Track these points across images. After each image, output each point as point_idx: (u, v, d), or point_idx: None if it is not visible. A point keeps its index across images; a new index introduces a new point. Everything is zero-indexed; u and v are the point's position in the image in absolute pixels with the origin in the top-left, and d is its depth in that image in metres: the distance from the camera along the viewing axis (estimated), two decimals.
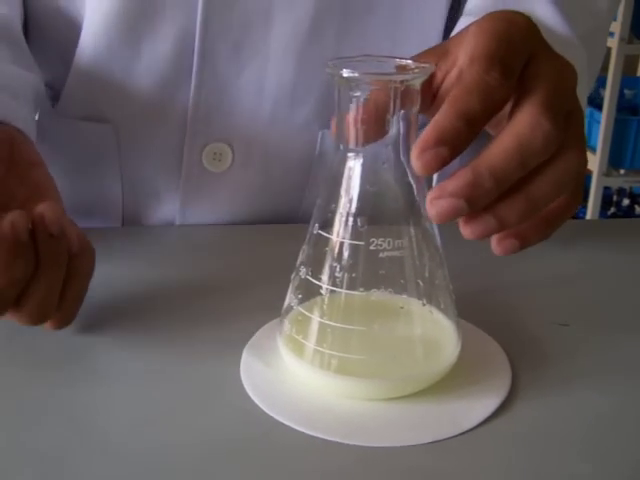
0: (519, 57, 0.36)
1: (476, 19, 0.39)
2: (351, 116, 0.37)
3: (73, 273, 0.41)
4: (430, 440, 0.36)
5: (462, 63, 0.37)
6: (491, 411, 0.38)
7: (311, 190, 0.64)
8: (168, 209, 0.64)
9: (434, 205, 0.34)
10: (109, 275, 0.52)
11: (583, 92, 0.48)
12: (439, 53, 0.40)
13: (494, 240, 0.37)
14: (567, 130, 0.36)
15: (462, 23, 0.55)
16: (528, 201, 0.35)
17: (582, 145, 0.37)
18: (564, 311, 0.49)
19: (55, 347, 0.43)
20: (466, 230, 0.35)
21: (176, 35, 0.57)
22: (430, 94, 0.40)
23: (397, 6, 0.59)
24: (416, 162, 0.34)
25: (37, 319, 0.41)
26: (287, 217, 0.65)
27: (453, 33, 0.57)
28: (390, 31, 0.60)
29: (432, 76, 0.40)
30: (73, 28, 0.58)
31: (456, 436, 0.36)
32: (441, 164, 0.34)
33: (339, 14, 0.58)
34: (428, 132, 0.34)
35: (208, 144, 0.60)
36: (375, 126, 0.37)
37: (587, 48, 0.54)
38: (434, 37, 0.60)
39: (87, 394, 0.39)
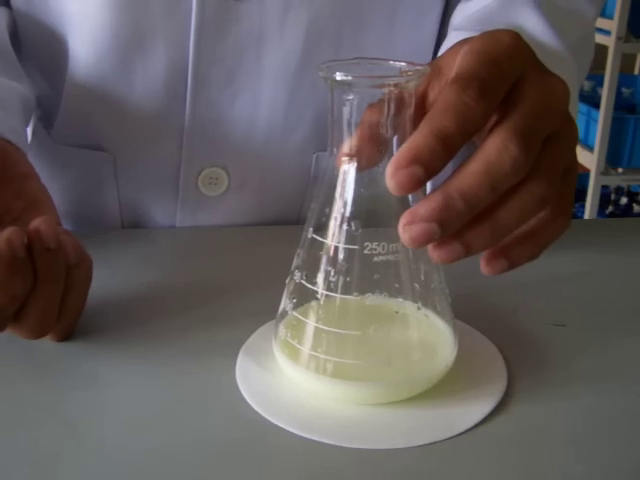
0: (503, 78, 0.36)
1: (468, 35, 0.38)
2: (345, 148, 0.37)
3: (71, 285, 0.41)
4: (425, 442, 0.36)
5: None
6: (486, 413, 0.38)
7: (306, 213, 0.64)
8: (165, 228, 0.64)
9: (407, 230, 0.34)
10: (106, 278, 0.52)
11: (573, 103, 0.48)
12: (431, 72, 0.40)
13: (483, 261, 0.38)
14: (542, 153, 0.36)
15: (453, 38, 0.55)
16: (493, 227, 0.35)
17: (556, 170, 0.37)
18: (560, 312, 0.49)
19: (52, 350, 0.43)
20: (434, 255, 0.35)
21: (169, 63, 0.57)
22: (423, 114, 0.40)
23: (389, 31, 0.60)
24: (390, 181, 0.34)
25: (37, 333, 0.41)
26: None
27: (443, 47, 0.57)
28: (383, 54, 0.60)
29: (424, 95, 0.40)
30: (61, 54, 0.58)
31: (451, 438, 0.36)
32: (415, 184, 0.33)
33: (332, 38, 0.58)
34: (403, 151, 0.34)
35: (204, 169, 0.61)
36: (371, 152, 0.37)
37: (576, 58, 0.54)
38: (426, 58, 0.61)
39: (84, 396, 0.39)
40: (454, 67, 0.37)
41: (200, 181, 0.61)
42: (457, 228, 0.34)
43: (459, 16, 0.58)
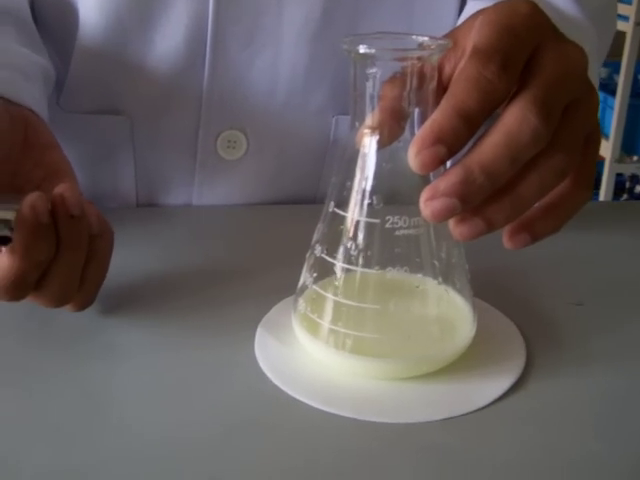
0: (522, 49, 0.35)
1: (484, 6, 0.38)
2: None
3: (93, 254, 0.41)
4: (444, 417, 0.36)
5: (466, 55, 0.37)
6: (505, 389, 0.38)
7: (326, 179, 0.64)
8: (182, 198, 0.64)
9: (428, 206, 0.34)
10: (126, 255, 0.52)
11: (593, 72, 0.48)
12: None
13: (505, 235, 0.37)
14: (563, 123, 0.35)
15: (470, 8, 0.55)
16: (513, 201, 0.35)
17: (576, 140, 0.36)
18: (579, 291, 0.49)
19: (71, 324, 0.43)
20: (456, 232, 0.35)
21: (189, 21, 0.57)
22: (440, 86, 0.39)
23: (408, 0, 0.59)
24: (413, 161, 0.34)
25: (58, 301, 0.41)
26: (301, 203, 0.65)
27: (461, 18, 0.56)
28: (404, 13, 0.59)
29: (441, 68, 0.39)
30: (70, 15, 0.57)
31: (470, 413, 0.36)
32: (439, 163, 0.34)
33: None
34: (426, 130, 0.34)
35: (222, 132, 0.60)
36: (392, 126, 0.37)
37: (597, 26, 0.53)
38: (449, 18, 0.60)
39: (102, 371, 0.39)
40: (470, 39, 0.36)
41: (219, 144, 0.61)
42: (478, 202, 0.34)
43: None
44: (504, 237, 0.37)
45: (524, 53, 0.35)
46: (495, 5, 0.37)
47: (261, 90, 0.59)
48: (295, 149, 0.63)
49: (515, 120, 0.34)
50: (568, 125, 0.36)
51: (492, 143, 0.34)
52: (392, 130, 0.37)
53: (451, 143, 0.33)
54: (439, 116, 0.34)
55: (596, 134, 0.38)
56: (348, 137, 0.39)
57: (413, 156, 0.34)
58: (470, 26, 0.38)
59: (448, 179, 0.34)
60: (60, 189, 0.39)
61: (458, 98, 0.34)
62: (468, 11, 0.56)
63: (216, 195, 0.63)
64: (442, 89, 0.39)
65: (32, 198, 0.37)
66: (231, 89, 0.59)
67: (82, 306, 0.43)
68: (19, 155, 0.44)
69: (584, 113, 0.37)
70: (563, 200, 0.37)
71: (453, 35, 0.40)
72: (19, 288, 0.38)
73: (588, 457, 0.34)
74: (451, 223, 0.35)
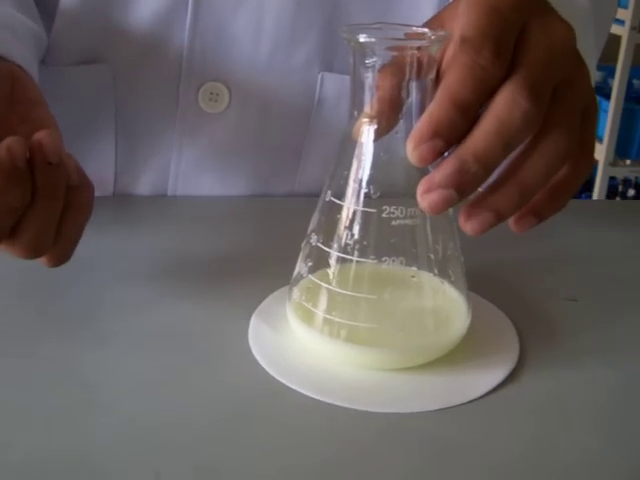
0: (511, 31, 0.35)
1: None
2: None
3: (71, 206, 0.39)
4: (438, 407, 0.36)
5: (455, 42, 0.36)
6: (499, 381, 0.38)
7: (310, 139, 0.63)
8: (164, 154, 0.62)
9: (425, 198, 0.34)
10: (117, 242, 0.52)
11: (588, 45, 0.46)
12: (434, 26, 0.40)
13: (512, 220, 0.37)
14: (557, 104, 0.35)
15: None
16: (520, 189, 0.35)
17: (573, 118, 0.36)
18: (573, 287, 0.49)
19: (64, 309, 0.43)
20: (466, 227, 0.35)
21: None
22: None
23: None
24: (412, 154, 0.34)
25: (33, 252, 0.39)
26: (287, 166, 0.64)
27: None
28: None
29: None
30: None
31: (464, 404, 0.36)
32: (437, 155, 0.34)
33: None
34: (423, 123, 0.34)
35: (204, 84, 0.59)
36: (390, 116, 0.37)
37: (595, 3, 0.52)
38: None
39: (96, 360, 0.39)
40: (457, 22, 0.36)
41: (200, 96, 0.60)
42: (475, 190, 0.34)
43: None
44: (510, 221, 0.37)
45: (513, 35, 0.35)
46: None
47: (245, 41, 0.58)
48: (279, 105, 0.61)
49: (505, 105, 0.34)
50: (562, 105, 0.35)
51: (484, 130, 0.34)
52: (389, 120, 0.37)
53: (448, 135, 0.34)
54: (436, 108, 0.34)
55: (592, 106, 0.38)
56: (347, 126, 0.39)
57: (411, 150, 0.34)
58: (456, 7, 0.38)
59: (443, 170, 0.34)
60: (39, 135, 0.37)
61: (453, 89, 0.34)
62: None
63: (198, 151, 0.62)
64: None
65: (9, 141, 0.36)
66: (214, 39, 0.58)
67: (58, 260, 0.41)
68: (5, 109, 0.43)
69: (576, 90, 0.36)
70: (566, 177, 0.37)
71: (440, 18, 0.40)
72: None
73: (580, 449, 0.34)
74: (461, 220, 0.36)
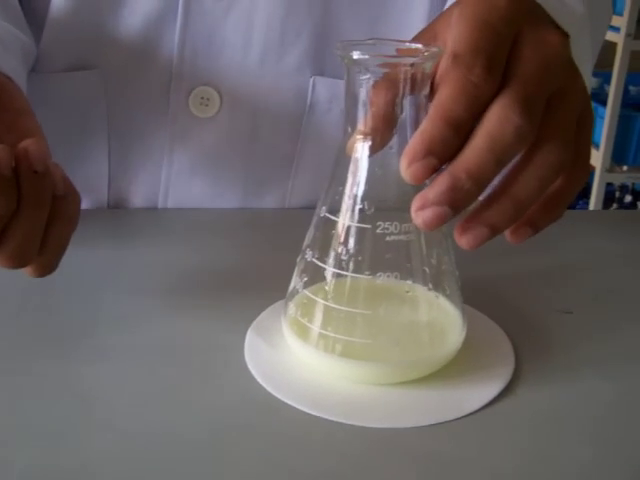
0: (502, 44, 0.35)
1: None
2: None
3: (57, 216, 0.39)
4: (433, 422, 0.36)
5: (447, 57, 0.36)
6: (494, 395, 0.38)
7: (303, 145, 0.63)
8: (156, 159, 0.62)
9: (419, 215, 0.34)
10: (112, 256, 0.52)
11: (584, 50, 0.46)
12: (427, 38, 0.40)
13: (507, 231, 0.37)
14: (550, 115, 0.35)
15: None
16: (515, 203, 0.35)
17: (568, 130, 0.36)
18: (568, 299, 0.49)
19: (60, 323, 0.44)
20: (461, 242, 0.35)
21: None
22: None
23: None
24: (405, 172, 0.34)
25: (17, 261, 0.39)
26: (279, 171, 0.64)
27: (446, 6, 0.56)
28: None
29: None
30: None
31: (459, 419, 0.37)
32: (430, 173, 0.34)
33: None
34: (416, 142, 0.34)
35: (195, 88, 0.59)
36: (384, 132, 0.37)
37: (591, 8, 0.51)
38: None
39: (92, 374, 0.39)
40: (449, 33, 0.36)
41: (191, 101, 0.60)
42: (468, 206, 0.34)
43: None
44: (506, 232, 0.37)
45: (505, 49, 0.35)
46: None
47: (235, 44, 0.58)
48: (271, 109, 0.61)
49: (497, 121, 0.34)
50: (555, 116, 0.35)
51: (476, 147, 0.34)
52: (384, 136, 0.37)
53: (442, 153, 0.34)
54: (428, 126, 0.34)
55: (588, 116, 0.38)
56: (341, 142, 0.39)
57: (405, 168, 0.34)
58: (449, 17, 0.38)
59: (437, 188, 0.34)
60: (25, 143, 0.37)
61: (446, 106, 0.34)
62: (448, 2, 0.55)
63: (189, 153, 0.62)
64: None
65: None
66: (204, 43, 0.58)
67: (43, 271, 0.40)
68: None
69: (570, 100, 0.36)
70: (561, 188, 0.37)
71: (432, 28, 0.40)
72: None
73: (576, 462, 0.34)
74: (456, 234, 0.36)
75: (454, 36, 0.35)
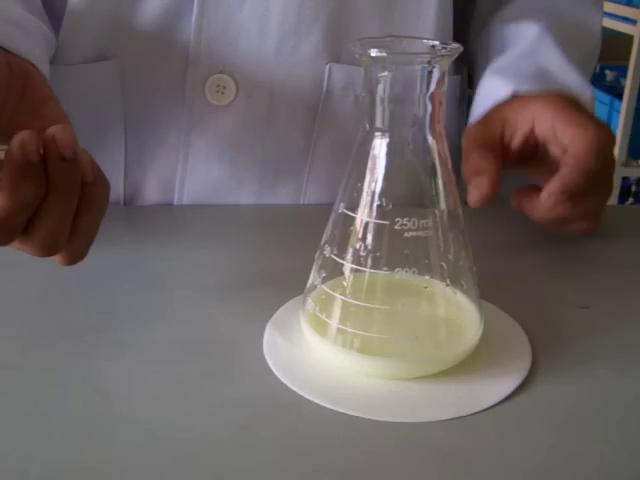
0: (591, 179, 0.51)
1: (508, 82, 0.56)
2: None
3: (86, 203, 0.39)
4: (451, 417, 0.36)
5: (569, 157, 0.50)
6: (511, 390, 0.38)
7: (319, 133, 0.63)
8: (173, 147, 0.62)
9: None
10: (129, 254, 0.52)
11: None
12: (499, 120, 0.53)
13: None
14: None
15: (491, 80, 0.59)
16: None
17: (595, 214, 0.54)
18: (584, 294, 0.49)
19: (81, 319, 0.44)
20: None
21: None
22: (498, 148, 0.52)
23: None
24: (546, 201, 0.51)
25: (46, 249, 0.38)
26: (295, 158, 0.64)
27: (481, 86, 0.61)
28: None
29: (501, 135, 0.53)
30: None
31: (476, 413, 0.37)
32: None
33: None
34: (557, 188, 0.50)
35: (211, 76, 0.60)
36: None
37: (585, 69, 0.60)
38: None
39: (112, 369, 0.40)
40: (526, 119, 0.52)
41: (207, 88, 0.60)
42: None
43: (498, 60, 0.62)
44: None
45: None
46: (549, 98, 0.52)
47: (251, 32, 0.59)
48: (286, 96, 0.61)
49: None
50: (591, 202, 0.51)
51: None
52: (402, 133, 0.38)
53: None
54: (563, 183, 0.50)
55: (610, 190, 0.52)
56: (359, 139, 0.39)
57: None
58: (521, 107, 0.53)
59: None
60: (53, 129, 0.37)
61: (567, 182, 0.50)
62: (491, 83, 0.59)
63: (205, 140, 0.62)
64: (504, 150, 0.53)
65: (22, 135, 0.36)
66: (220, 31, 0.58)
67: (72, 259, 0.40)
68: (17, 105, 0.43)
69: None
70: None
71: (502, 114, 0.54)
72: (5, 229, 0.36)
73: (595, 457, 0.34)
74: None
75: (569, 139, 0.51)
